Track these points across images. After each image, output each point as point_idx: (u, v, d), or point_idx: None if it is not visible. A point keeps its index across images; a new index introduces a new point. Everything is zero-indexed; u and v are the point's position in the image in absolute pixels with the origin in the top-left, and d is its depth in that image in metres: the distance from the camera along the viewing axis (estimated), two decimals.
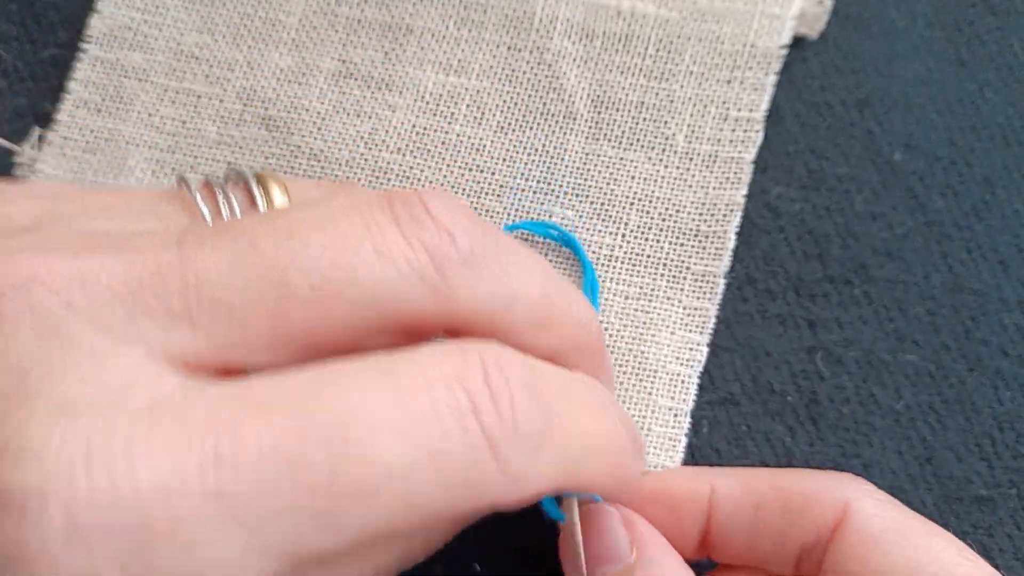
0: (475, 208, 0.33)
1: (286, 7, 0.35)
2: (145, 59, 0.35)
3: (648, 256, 0.32)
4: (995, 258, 0.34)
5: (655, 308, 0.32)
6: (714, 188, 0.33)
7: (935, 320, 0.33)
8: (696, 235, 0.32)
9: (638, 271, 0.32)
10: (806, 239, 0.34)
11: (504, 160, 0.33)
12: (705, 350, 0.32)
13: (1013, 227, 0.34)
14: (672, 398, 0.31)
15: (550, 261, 0.32)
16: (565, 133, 0.34)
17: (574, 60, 0.34)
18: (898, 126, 0.35)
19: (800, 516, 0.25)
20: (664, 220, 0.33)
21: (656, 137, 0.33)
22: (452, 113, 0.34)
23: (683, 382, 0.31)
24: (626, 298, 0.32)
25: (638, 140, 0.33)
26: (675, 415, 0.31)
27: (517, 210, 0.33)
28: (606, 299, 0.32)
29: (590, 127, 0.34)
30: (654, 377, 0.31)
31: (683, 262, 0.32)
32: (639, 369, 0.31)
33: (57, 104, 0.35)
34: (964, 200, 0.34)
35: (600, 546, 0.26)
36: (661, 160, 0.33)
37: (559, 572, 0.29)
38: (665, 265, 0.32)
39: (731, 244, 0.32)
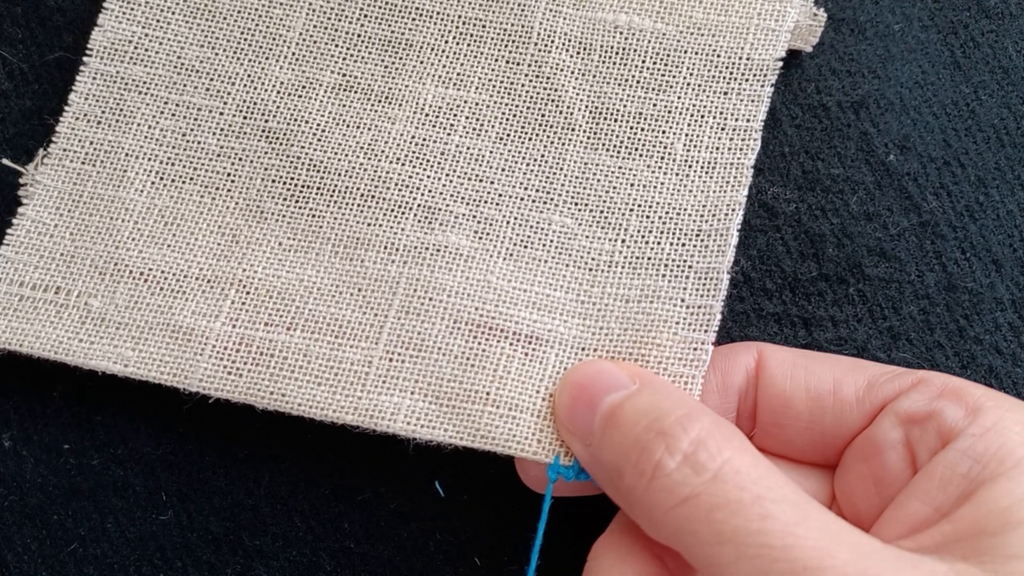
0: (474, 217, 0.36)
1: (287, 22, 0.39)
2: (146, 72, 0.39)
3: (649, 258, 0.35)
4: (988, 257, 0.37)
5: (656, 309, 0.34)
6: (714, 192, 0.35)
7: (929, 319, 0.37)
8: (698, 235, 0.35)
9: (639, 274, 0.35)
10: (802, 239, 0.37)
11: (503, 170, 0.37)
12: (710, 349, 0.34)
13: (1007, 227, 0.37)
14: None
15: None
16: (564, 143, 0.37)
17: (572, 73, 0.37)
18: (893, 127, 0.38)
19: (727, 368, 0.34)
20: (665, 223, 0.35)
21: (655, 146, 0.36)
22: (452, 124, 0.37)
23: (686, 384, 0.33)
24: (627, 302, 0.35)
25: (636, 149, 0.36)
26: None
27: (516, 218, 0.36)
28: (605, 305, 0.35)
29: (588, 137, 0.37)
30: None
31: (685, 261, 0.35)
32: None
33: (63, 107, 0.39)
34: (958, 200, 0.38)
35: (602, 381, 0.32)
36: (660, 168, 0.36)
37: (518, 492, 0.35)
38: (667, 265, 0.35)
39: (734, 240, 0.35)
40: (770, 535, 0.26)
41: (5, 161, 0.39)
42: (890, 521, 0.29)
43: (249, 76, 0.39)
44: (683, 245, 0.35)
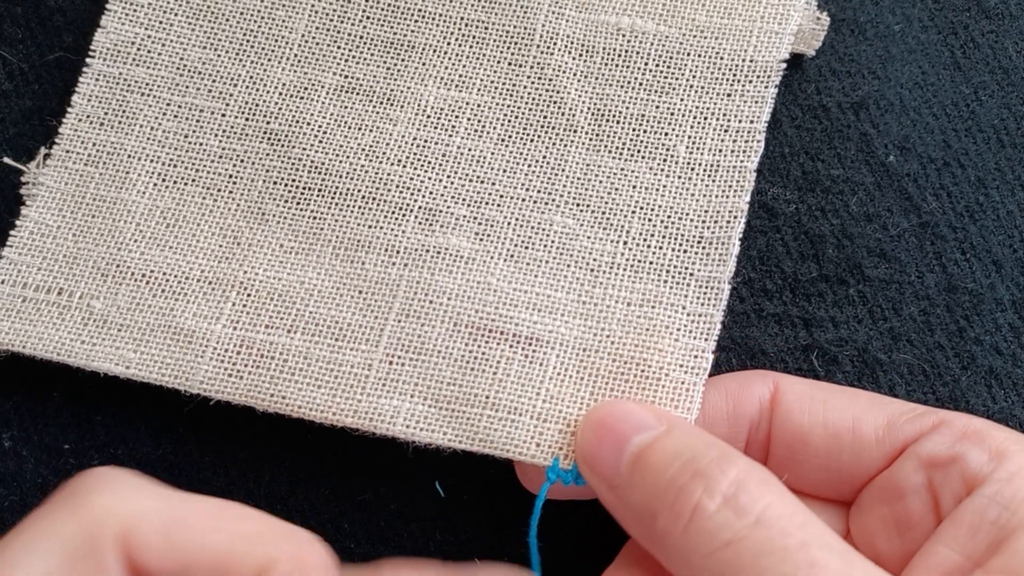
0: (475, 219, 0.36)
1: (289, 24, 0.39)
2: (149, 74, 0.39)
3: (651, 263, 0.35)
4: (989, 258, 0.37)
5: (658, 315, 0.34)
6: (717, 196, 0.35)
7: (929, 320, 0.37)
8: (700, 241, 0.35)
9: (640, 278, 0.35)
10: (801, 239, 0.38)
11: (505, 171, 0.37)
12: (710, 357, 0.33)
13: (1007, 228, 0.37)
14: (676, 407, 0.33)
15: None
16: (566, 145, 0.37)
17: (575, 75, 0.38)
18: (893, 128, 0.38)
19: (740, 398, 0.33)
20: (667, 227, 0.35)
21: (657, 148, 0.36)
22: (453, 126, 0.37)
23: (688, 390, 0.33)
24: (628, 304, 0.35)
25: (639, 151, 0.36)
26: None
27: (518, 219, 0.36)
28: (607, 307, 0.35)
29: (591, 139, 0.37)
30: (657, 386, 0.33)
31: (687, 268, 0.35)
32: (641, 378, 0.34)
33: (63, 107, 0.39)
34: (958, 201, 0.38)
35: (629, 422, 0.31)
36: (663, 170, 0.36)
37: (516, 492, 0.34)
38: (668, 271, 0.35)
39: (735, 250, 0.35)
40: None
41: (6, 160, 0.39)
42: (920, 568, 0.29)
43: (251, 77, 0.39)
44: (685, 252, 0.35)
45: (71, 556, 0.25)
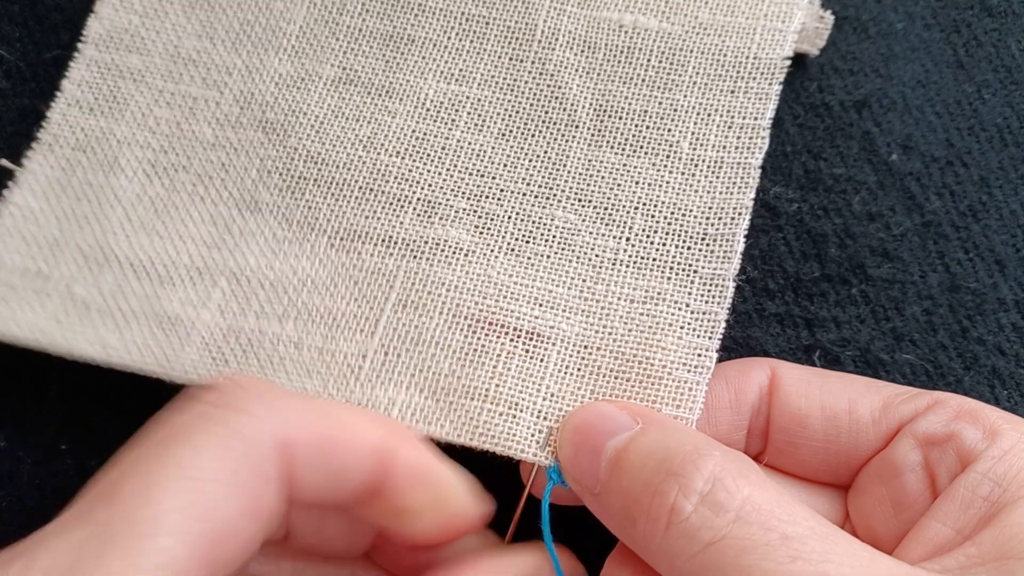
0: (475, 212, 0.36)
1: (288, 15, 0.39)
2: (142, 61, 0.38)
3: (654, 259, 0.35)
4: (992, 258, 0.37)
5: (661, 312, 0.34)
6: (721, 193, 0.35)
7: (932, 319, 0.37)
8: (704, 238, 0.35)
9: (643, 274, 0.35)
10: (804, 239, 0.37)
11: (506, 165, 0.36)
12: (714, 356, 0.33)
13: (1010, 227, 0.37)
14: (678, 406, 0.33)
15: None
16: (567, 140, 0.37)
17: (576, 71, 0.37)
18: (896, 127, 0.38)
19: (740, 386, 0.33)
20: (670, 223, 0.35)
21: (660, 144, 0.36)
22: (453, 120, 0.37)
23: (690, 390, 0.33)
24: (631, 302, 0.34)
25: (642, 147, 0.36)
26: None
27: (519, 214, 0.36)
28: (609, 303, 0.35)
29: (593, 134, 0.37)
30: (659, 385, 0.33)
31: (690, 265, 0.35)
32: (643, 376, 0.33)
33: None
34: (961, 200, 0.38)
35: (604, 425, 0.31)
36: (666, 166, 0.36)
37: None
38: (672, 268, 0.35)
39: (740, 247, 0.35)
40: None
41: (3, 161, 0.39)
42: (912, 543, 0.29)
43: (247, 67, 0.38)
44: (688, 248, 0.35)
45: (236, 462, 0.28)
